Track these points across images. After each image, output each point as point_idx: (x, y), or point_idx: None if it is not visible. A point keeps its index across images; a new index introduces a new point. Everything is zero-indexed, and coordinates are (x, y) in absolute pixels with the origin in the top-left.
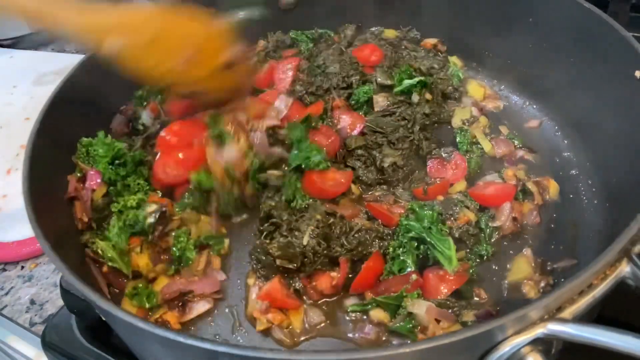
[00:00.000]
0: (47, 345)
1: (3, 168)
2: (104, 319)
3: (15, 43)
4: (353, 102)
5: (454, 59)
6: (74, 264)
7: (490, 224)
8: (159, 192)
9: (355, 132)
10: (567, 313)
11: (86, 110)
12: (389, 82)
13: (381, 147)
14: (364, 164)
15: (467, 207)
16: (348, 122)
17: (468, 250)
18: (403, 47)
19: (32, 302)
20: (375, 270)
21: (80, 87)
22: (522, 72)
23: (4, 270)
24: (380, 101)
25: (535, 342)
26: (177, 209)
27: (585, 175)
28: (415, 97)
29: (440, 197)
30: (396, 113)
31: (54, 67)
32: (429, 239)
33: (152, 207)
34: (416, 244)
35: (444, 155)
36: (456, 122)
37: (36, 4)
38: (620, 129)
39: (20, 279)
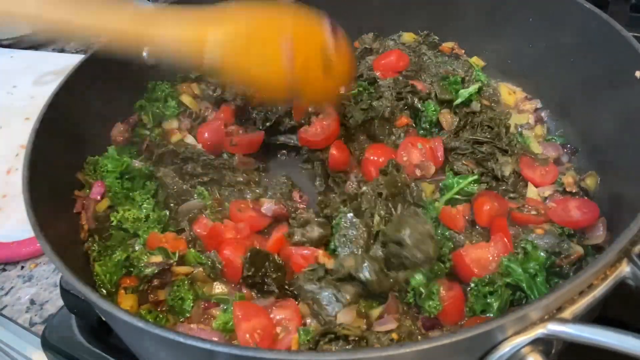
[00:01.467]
0: (47, 345)
1: (3, 168)
2: (104, 319)
3: (15, 43)
4: (425, 125)
5: (474, 60)
6: (74, 264)
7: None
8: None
9: (440, 156)
10: (568, 313)
11: (86, 110)
12: (447, 96)
13: (494, 156)
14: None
15: (572, 238)
16: (421, 155)
17: None
18: (422, 51)
19: (32, 302)
20: (458, 304)
21: (80, 87)
22: (521, 72)
23: (4, 270)
24: (449, 118)
25: (536, 343)
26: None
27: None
28: (476, 106)
29: (540, 231)
30: (466, 127)
31: (54, 67)
32: (529, 292)
33: (157, 259)
34: (511, 292)
35: (539, 157)
36: (511, 125)
37: (132, 27)
38: (620, 129)
39: (20, 279)
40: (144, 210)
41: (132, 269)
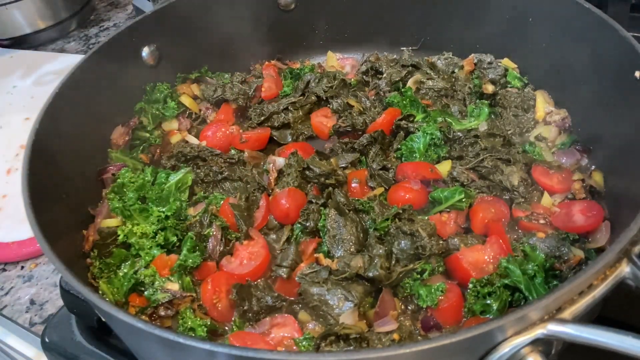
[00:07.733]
0: (47, 345)
1: (3, 168)
2: (103, 319)
3: (15, 43)
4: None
5: (506, 62)
6: (74, 265)
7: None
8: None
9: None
10: (567, 313)
11: (85, 110)
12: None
13: (498, 168)
14: (489, 191)
15: (573, 242)
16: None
17: None
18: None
19: (32, 302)
20: (456, 305)
21: (80, 87)
22: (521, 72)
23: (4, 270)
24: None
25: (536, 343)
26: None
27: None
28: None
29: (541, 234)
30: (479, 136)
31: (54, 67)
32: (527, 293)
33: (174, 286)
34: (510, 292)
35: (553, 165)
36: (531, 136)
37: None
38: (619, 129)
39: (20, 279)
40: (154, 226)
41: (142, 288)
